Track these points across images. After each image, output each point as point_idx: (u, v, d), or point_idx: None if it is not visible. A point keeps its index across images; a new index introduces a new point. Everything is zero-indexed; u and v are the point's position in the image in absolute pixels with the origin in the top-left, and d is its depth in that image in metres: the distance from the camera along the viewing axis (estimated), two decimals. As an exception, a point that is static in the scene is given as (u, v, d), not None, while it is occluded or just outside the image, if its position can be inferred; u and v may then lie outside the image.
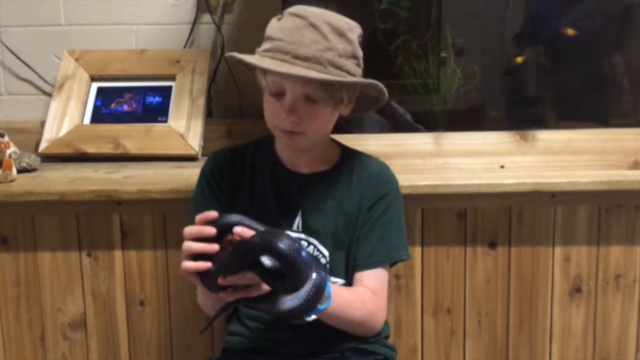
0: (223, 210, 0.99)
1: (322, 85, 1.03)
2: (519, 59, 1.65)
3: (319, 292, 0.95)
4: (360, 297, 1.10)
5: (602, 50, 1.66)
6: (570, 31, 1.63)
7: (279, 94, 1.05)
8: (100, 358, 1.40)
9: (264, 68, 1.01)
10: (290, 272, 0.89)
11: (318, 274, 0.94)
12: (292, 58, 1.01)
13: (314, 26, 1.02)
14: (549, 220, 1.37)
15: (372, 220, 1.13)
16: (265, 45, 1.05)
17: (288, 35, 1.02)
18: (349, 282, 1.13)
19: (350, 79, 1.04)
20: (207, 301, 1.15)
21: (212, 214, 0.95)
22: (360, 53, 1.07)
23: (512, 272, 1.39)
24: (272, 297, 0.94)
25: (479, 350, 1.41)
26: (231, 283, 0.94)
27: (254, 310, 1.08)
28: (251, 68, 1.10)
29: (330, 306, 0.99)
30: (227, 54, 1.07)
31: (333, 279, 1.12)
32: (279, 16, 1.06)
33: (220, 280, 0.93)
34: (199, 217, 0.96)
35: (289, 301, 0.94)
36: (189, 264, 0.94)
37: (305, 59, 1.01)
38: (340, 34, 1.03)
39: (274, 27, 1.06)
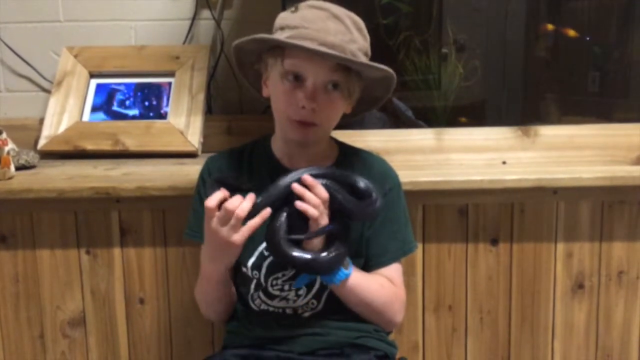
0: None
1: (343, 74, 1.04)
2: (550, 26, 1.64)
3: (343, 252, 1.02)
4: (378, 280, 1.11)
5: (606, 45, 1.65)
6: (572, 32, 1.62)
7: (297, 81, 1.04)
8: (100, 356, 1.39)
9: (300, 45, 0.99)
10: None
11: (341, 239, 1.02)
12: (319, 45, 1.00)
13: (337, 18, 1.03)
14: (551, 216, 1.36)
15: (381, 217, 1.12)
16: (286, 33, 1.03)
17: (312, 24, 1.02)
18: None
19: (378, 65, 1.05)
20: (207, 299, 1.15)
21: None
22: (370, 52, 1.08)
23: (514, 269, 1.38)
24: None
25: (481, 347, 1.40)
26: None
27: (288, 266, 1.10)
28: (243, 69, 1.13)
29: (352, 279, 1.04)
30: (257, 35, 1.04)
31: None
32: (293, 9, 1.06)
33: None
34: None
35: (321, 253, 1.00)
36: (254, 221, 0.97)
37: (332, 46, 1.00)
38: (359, 29, 1.05)
39: (289, 17, 1.05)
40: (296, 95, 1.04)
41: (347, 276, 1.04)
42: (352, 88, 1.07)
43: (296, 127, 1.06)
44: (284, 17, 1.06)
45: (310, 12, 1.04)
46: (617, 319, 1.40)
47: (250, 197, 0.98)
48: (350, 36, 1.03)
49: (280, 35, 1.04)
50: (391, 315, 1.13)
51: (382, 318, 1.13)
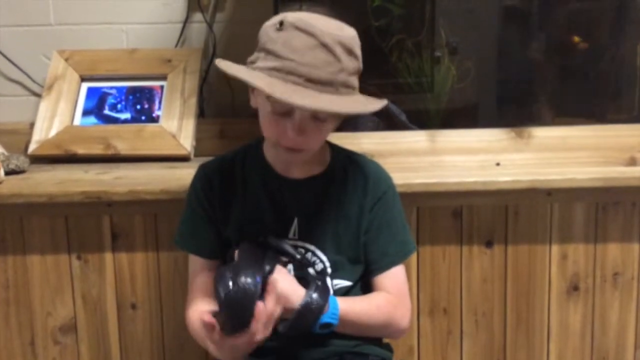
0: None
1: None
2: (542, 27, 1.65)
3: (309, 311, 1.00)
4: (374, 302, 1.09)
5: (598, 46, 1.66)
6: (564, 34, 1.63)
7: (285, 113, 1.01)
8: (92, 362, 1.38)
9: (285, 100, 0.94)
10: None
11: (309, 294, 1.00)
12: (306, 81, 0.95)
13: (326, 46, 0.96)
14: (546, 217, 1.36)
15: (377, 221, 1.11)
16: (270, 62, 0.97)
17: (299, 55, 0.96)
18: (356, 284, 1.12)
19: (370, 108, 1.01)
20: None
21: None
22: (362, 66, 1.04)
23: (509, 271, 1.38)
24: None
25: (476, 350, 1.40)
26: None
27: None
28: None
29: (343, 319, 1.03)
30: (241, 75, 0.98)
31: (336, 281, 1.10)
32: (278, 26, 0.99)
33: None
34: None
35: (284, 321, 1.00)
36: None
37: (319, 82, 0.95)
38: (350, 52, 0.99)
39: (275, 41, 0.97)
40: (284, 124, 1.01)
41: (331, 320, 1.03)
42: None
43: (285, 151, 1.05)
44: (269, 35, 1.00)
45: (297, 38, 0.96)
46: (612, 320, 1.40)
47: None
48: (339, 65, 0.97)
49: (264, 62, 0.98)
50: (396, 326, 1.11)
51: (386, 333, 1.13)
